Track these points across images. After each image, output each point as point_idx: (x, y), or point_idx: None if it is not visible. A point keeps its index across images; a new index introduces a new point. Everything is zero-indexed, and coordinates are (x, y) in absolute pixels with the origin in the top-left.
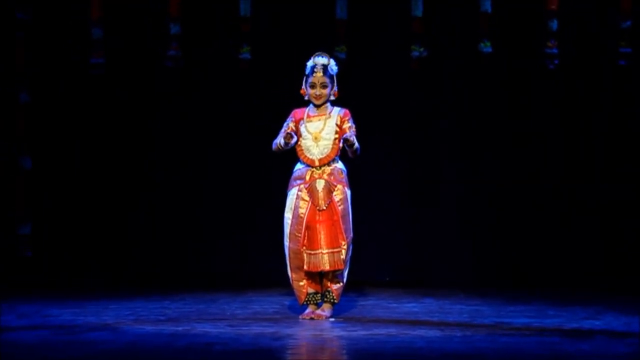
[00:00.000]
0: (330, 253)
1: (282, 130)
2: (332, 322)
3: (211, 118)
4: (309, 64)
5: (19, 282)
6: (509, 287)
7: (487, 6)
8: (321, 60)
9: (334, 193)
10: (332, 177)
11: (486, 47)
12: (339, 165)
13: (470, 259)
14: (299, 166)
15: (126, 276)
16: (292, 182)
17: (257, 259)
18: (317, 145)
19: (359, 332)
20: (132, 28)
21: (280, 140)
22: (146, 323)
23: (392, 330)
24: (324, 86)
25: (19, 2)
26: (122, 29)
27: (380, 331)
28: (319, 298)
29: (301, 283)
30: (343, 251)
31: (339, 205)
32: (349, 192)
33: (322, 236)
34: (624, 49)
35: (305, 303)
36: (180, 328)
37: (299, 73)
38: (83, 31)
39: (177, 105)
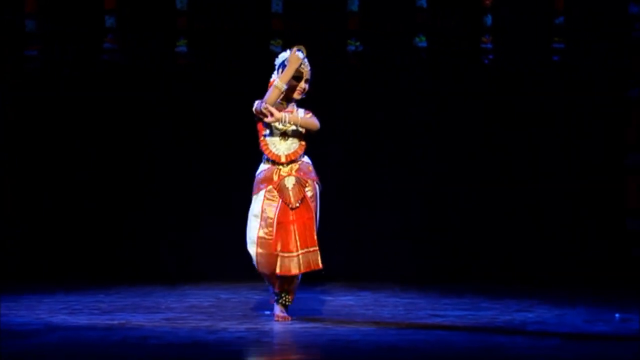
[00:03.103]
0: (305, 253)
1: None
2: (268, 314)
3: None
4: (292, 56)
5: None
6: (444, 280)
7: (423, 1)
8: (303, 55)
9: (306, 189)
10: (301, 173)
11: (421, 41)
12: (305, 159)
13: (408, 255)
14: (263, 167)
15: (62, 270)
16: (257, 185)
17: (194, 253)
18: (284, 141)
19: (294, 325)
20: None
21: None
22: (80, 317)
23: (328, 323)
24: (308, 82)
25: None
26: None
27: (316, 324)
28: (290, 300)
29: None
30: (318, 250)
31: (312, 202)
32: (318, 188)
33: (297, 237)
34: (558, 44)
35: (276, 301)
36: (115, 322)
37: (237, 68)
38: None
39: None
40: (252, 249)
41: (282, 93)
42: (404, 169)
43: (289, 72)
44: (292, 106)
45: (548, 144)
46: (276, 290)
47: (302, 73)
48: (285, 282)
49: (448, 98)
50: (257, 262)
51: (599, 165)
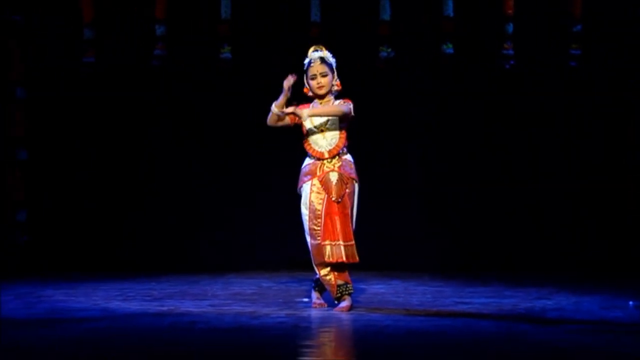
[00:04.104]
0: (346, 246)
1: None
2: (306, 301)
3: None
4: (306, 61)
5: (15, 266)
6: (470, 270)
7: (450, 10)
8: (316, 53)
9: (346, 185)
10: (342, 170)
11: (448, 48)
12: (348, 157)
13: (408, 255)
14: (307, 161)
15: (117, 261)
16: (302, 177)
17: (239, 244)
18: (324, 137)
19: (330, 312)
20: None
21: (276, 104)
22: (133, 303)
23: (361, 310)
24: (324, 75)
25: (12, 4)
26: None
27: (350, 311)
28: (351, 288)
29: (328, 277)
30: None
31: (349, 199)
32: (357, 186)
33: (339, 228)
34: (575, 50)
35: (338, 296)
36: (165, 307)
37: (279, 73)
38: (76, 32)
39: (172, 101)
40: (307, 238)
41: (278, 115)
42: (404, 168)
43: (282, 97)
44: (331, 100)
45: (548, 144)
46: (316, 276)
47: (313, 71)
48: (337, 270)
49: (448, 98)
50: (311, 253)
51: (599, 165)
